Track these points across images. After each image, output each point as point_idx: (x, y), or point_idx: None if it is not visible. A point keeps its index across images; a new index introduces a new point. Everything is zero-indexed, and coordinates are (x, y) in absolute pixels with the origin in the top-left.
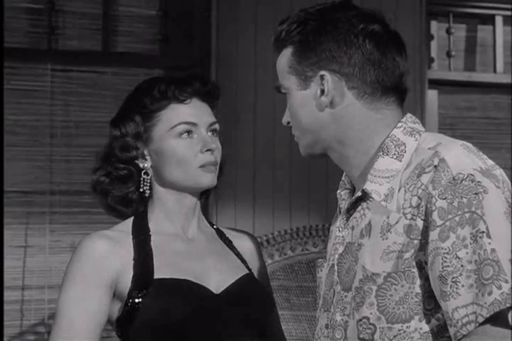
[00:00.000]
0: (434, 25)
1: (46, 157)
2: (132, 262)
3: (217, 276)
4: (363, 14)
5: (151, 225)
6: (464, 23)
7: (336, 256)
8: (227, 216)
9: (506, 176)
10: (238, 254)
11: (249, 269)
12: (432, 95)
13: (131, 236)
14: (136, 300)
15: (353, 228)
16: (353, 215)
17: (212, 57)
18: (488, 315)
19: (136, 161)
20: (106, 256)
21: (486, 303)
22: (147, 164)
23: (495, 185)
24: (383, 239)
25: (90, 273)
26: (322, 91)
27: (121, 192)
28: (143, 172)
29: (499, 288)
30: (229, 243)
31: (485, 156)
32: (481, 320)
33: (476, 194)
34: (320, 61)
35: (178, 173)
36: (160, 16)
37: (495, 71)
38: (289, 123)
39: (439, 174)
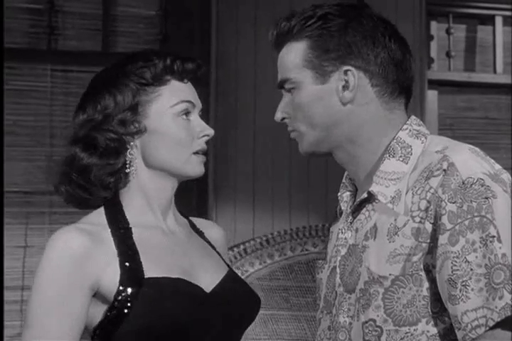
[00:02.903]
0: (433, 25)
1: (46, 157)
2: (117, 259)
3: (205, 274)
4: (376, 15)
5: (129, 216)
6: (464, 24)
7: (338, 258)
8: (227, 216)
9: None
10: (214, 248)
11: (228, 265)
12: (431, 95)
13: (109, 230)
14: (128, 303)
15: (357, 230)
16: (358, 217)
17: (212, 57)
18: (499, 319)
19: (125, 137)
20: (88, 253)
21: (496, 307)
22: (133, 142)
23: (503, 190)
24: (390, 242)
25: (71, 272)
26: (345, 87)
27: (104, 170)
28: (128, 151)
29: (510, 292)
30: (201, 235)
31: (492, 160)
32: (491, 323)
33: (486, 198)
34: (344, 56)
35: (172, 155)
36: (160, 16)
37: (495, 71)
38: (283, 119)
39: (448, 178)
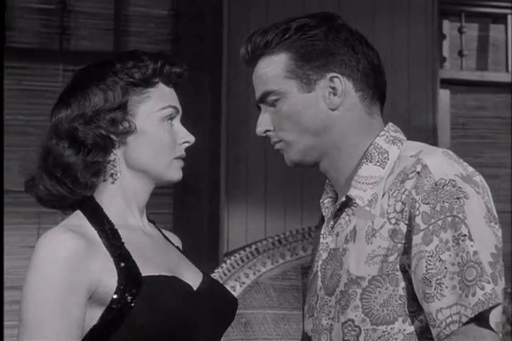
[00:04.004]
0: (446, 24)
1: None
2: (111, 259)
3: (188, 273)
4: (349, 25)
5: (111, 218)
6: (476, 22)
7: (320, 262)
8: (239, 216)
9: (485, 182)
10: (183, 253)
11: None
12: (443, 95)
13: (96, 232)
14: (128, 303)
15: (337, 234)
16: (338, 222)
17: (223, 58)
18: (472, 315)
19: (112, 136)
20: (84, 255)
21: (470, 304)
22: (117, 142)
23: (475, 191)
24: (368, 244)
25: (70, 274)
26: (332, 93)
27: (90, 168)
28: (112, 151)
29: (482, 288)
30: (168, 240)
31: (466, 163)
32: (464, 320)
33: (458, 198)
34: (327, 64)
35: (155, 158)
36: (171, 16)
37: (507, 70)
38: (266, 131)
39: (421, 180)
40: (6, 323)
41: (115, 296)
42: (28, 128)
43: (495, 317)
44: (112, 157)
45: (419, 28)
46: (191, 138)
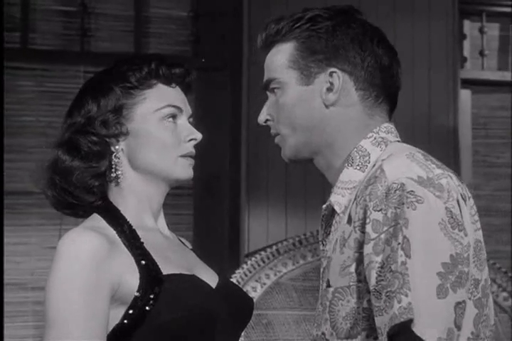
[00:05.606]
0: (466, 24)
1: None
2: (132, 258)
3: (205, 273)
4: (365, 20)
5: (129, 218)
6: (497, 22)
7: (321, 270)
8: (260, 217)
9: (455, 185)
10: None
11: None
12: (464, 95)
13: (114, 232)
14: (150, 300)
15: (330, 242)
16: (331, 228)
17: (243, 58)
18: (388, 329)
19: (109, 140)
20: (108, 254)
21: (389, 317)
22: (118, 146)
23: (434, 195)
24: (341, 254)
25: (95, 273)
26: (329, 89)
27: (86, 173)
28: (114, 155)
29: (399, 301)
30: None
31: (433, 165)
32: (385, 333)
33: (403, 204)
34: (330, 58)
35: (157, 158)
36: (191, 17)
37: None
38: (267, 121)
39: (376, 185)
40: (29, 324)
41: (137, 294)
42: (48, 130)
43: (437, 333)
44: (113, 161)
45: (439, 28)
46: (197, 136)
